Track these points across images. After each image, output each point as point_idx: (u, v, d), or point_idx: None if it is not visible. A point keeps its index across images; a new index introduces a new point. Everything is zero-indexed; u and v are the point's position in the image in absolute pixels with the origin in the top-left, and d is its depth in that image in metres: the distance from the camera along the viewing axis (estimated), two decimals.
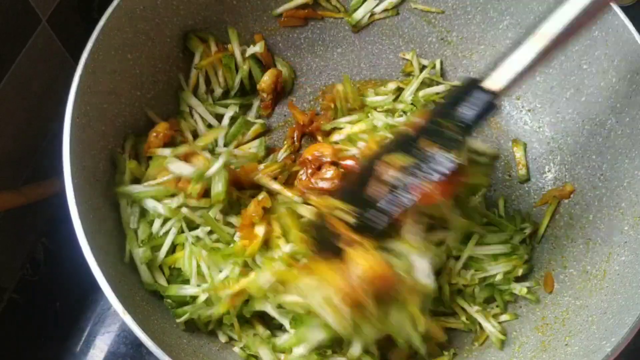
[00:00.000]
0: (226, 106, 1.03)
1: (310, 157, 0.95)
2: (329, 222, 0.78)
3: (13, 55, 0.87)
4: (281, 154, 1.02)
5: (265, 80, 1.04)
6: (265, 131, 1.05)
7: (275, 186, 0.92)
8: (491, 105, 0.72)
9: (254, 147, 1.01)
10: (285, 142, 1.04)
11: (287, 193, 0.91)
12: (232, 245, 0.85)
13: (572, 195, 0.98)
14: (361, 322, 0.73)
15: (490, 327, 0.90)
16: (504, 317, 0.93)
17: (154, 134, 0.91)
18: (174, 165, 0.86)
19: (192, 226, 0.87)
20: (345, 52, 1.12)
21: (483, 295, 0.92)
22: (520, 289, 0.92)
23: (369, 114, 1.01)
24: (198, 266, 0.84)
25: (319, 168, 0.94)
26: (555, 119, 1.02)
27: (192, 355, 0.80)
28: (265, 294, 0.80)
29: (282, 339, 0.83)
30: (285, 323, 0.83)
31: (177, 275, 0.85)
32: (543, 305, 0.92)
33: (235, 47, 1.03)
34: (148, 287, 0.84)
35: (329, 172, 0.93)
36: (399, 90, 1.07)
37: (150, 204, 0.85)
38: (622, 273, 0.83)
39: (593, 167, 0.95)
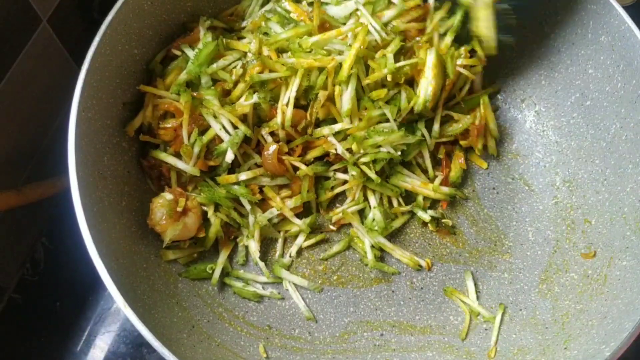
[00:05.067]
0: None
1: None
2: None
3: (13, 55, 0.86)
4: None
5: None
6: None
7: None
8: None
9: None
10: None
11: None
12: None
13: (573, 199, 0.98)
14: None
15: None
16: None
17: None
18: None
19: None
20: None
21: None
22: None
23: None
24: None
25: None
26: (559, 123, 1.02)
27: (191, 350, 0.81)
28: None
29: None
30: None
31: None
32: (543, 309, 0.92)
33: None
34: None
35: None
36: None
37: None
38: (623, 278, 0.83)
39: (596, 171, 0.95)
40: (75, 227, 0.73)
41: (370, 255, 0.97)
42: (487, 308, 0.95)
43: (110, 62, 0.85)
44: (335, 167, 0.98)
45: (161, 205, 0.88)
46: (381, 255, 0.99)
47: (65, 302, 1.02)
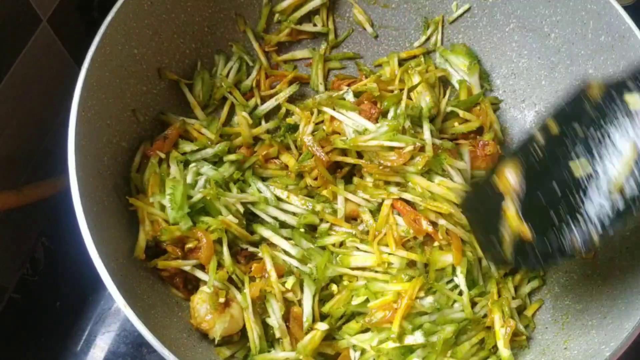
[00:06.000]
0: None
1: None
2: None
3: (13, 55, 0.87)
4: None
5: None
6: None
7: None
8: None
9: None
10: None
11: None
12: None
13: None
14: None
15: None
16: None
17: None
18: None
19: None
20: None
21: None
22: None
23: None
24: None
25: None
26: None
27: (192, 350, 0.81)
28: None
29: None
30: None
31: None
32: (543, 309, 0.92)
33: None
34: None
35: None
36: None
37: None
38: (623, 278, 0.83)
39: None
40: (75, 227, 0.73)
41: None
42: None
43: (110, 62, 0.85)
44: None
45: (202, 300, 0.83)
46: None
47: (65, 302, 1.03)
